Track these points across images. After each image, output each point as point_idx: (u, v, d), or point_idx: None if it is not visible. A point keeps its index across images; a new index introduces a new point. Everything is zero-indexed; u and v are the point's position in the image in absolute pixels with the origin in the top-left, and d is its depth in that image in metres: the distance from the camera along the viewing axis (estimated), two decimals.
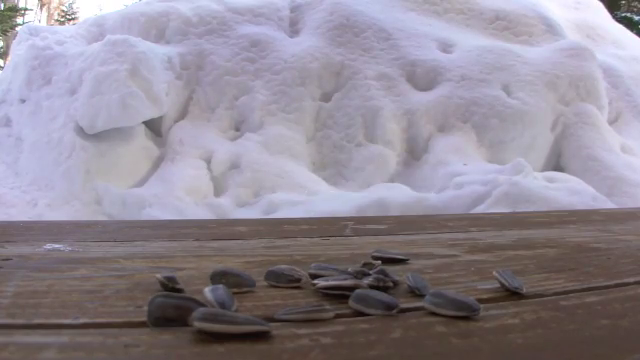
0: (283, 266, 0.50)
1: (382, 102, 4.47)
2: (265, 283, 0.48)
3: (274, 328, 0.36)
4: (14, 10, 12.62)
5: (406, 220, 1.22)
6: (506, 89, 4.61)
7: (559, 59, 4.85)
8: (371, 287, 0.45)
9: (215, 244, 0.70)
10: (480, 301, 0.42)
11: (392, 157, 4.31)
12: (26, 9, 14.32)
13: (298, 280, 0.48)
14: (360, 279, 0.47)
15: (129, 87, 4.18)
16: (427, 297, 0.42)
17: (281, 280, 0.48)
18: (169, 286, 0.45)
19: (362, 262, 0.55)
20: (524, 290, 0.47)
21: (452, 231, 0.89)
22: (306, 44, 4.80)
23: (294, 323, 0.38)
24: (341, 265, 0.53)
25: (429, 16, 5.29)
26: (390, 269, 0.51)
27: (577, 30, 5.84)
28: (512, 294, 0.47)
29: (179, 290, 0.45)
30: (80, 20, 12.26)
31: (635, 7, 11.15)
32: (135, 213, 3.59)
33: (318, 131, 4.49)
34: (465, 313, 0.40)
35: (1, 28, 11.47)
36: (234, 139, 4.34)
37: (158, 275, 0.46)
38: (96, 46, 4.64)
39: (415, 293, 0.46)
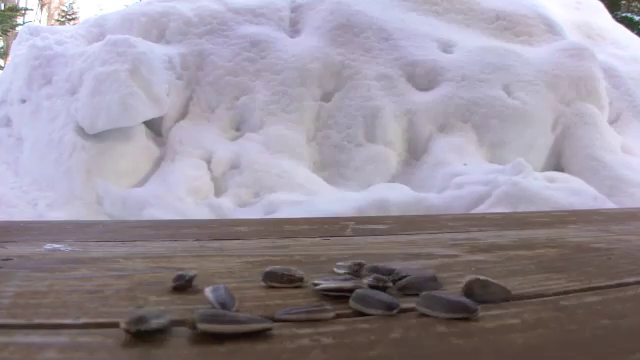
0: (283, 266, 0.50)
1: (382, 102, 4.46)
2: (265, 283, 0.49)
3: (274, 328, 0.36)
4: (14, 10, 12.60)
5: (406, 220, 1.22)
6: (506, 89, 4.61)
7: (559, 59, 4.85)
8: (371, 287, 0.45)
9: (216, 244, 0.71)
10: (480, 302, 0.42)
11: (392, 157, 4.30)
12: (26, 9, 14.31)
13: (298, 280, 0.48)
14: (360, 279, 0.47)
15: (129, 87, 4.17)
16: (418, 299, 0.42)
17: (281, 280, 0.48)
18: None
19: (363, 262, 0.55)
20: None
21: (452, 231, 0.89)
22: (306, 44, 4.80)
23: (294, 323, 0.38)
24: (341, 266, 0.53)
25: (429, 16, 5.29)
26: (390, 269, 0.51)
27: (577, 30, 5.83)
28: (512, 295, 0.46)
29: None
30: (80, 20, 12.26)
31: (635, 7, 11.14)
32: (136, 213, 3.59)
33: (318, 131, 4.49)
34: (462, 315, 0.40)
35: (1, 28, 11.46)
36: (234, 139, 4.34)
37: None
38: (96, 46, 4.63)
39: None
